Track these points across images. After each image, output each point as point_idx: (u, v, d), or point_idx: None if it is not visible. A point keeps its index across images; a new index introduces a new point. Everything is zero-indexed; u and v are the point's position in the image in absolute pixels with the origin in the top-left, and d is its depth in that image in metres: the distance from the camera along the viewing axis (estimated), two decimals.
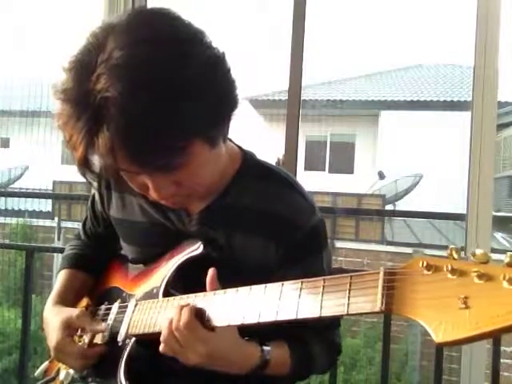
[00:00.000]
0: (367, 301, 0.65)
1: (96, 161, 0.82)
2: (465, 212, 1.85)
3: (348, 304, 0.67)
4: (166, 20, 0.83)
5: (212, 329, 0.84)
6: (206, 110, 0.80)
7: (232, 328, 0.85)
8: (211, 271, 0.87)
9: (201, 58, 0.80)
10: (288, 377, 0.98)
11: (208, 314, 0.84)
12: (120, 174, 0.87)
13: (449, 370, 3.17)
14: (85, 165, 0.82)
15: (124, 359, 0.94)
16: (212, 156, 0.88)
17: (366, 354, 4.58)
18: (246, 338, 0.91)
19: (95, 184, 1.11)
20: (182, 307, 0.85)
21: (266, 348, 0.91)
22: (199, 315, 0.84)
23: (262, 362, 0.91)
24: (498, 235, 4.90)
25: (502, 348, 1.82)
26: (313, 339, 1.01)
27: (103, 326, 1.02)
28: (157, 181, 0.85)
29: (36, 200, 7.15)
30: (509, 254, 0.55)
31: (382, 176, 9.15)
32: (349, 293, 0.68)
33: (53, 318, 1.05)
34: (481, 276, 0.55)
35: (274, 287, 0.78)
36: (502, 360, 1.76)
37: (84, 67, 0.79)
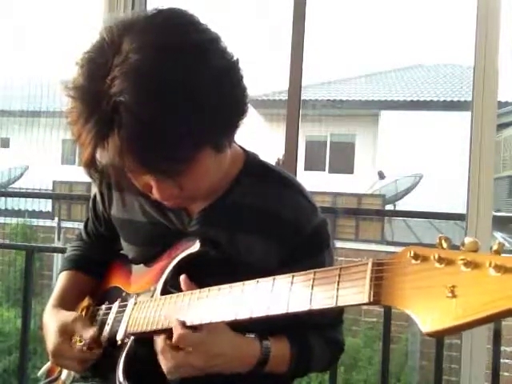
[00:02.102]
0: (356, 292, 0.65)
1: (102, 159, 0.82)
2: (465, 212, 1.85)
3: (337, 296, 0.67)
4: (184, 24, 0.82)
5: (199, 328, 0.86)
6: (218, 119, 0.80)
7: (220, 324, 0.86)
8: (183, 277, 0.90)
9: (215, 66, 0.80)
10: (287, 373, 0.98)
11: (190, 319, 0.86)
12: (125, 174, 0.87)
13: (449, 370, 3.17)
14: (91, 164, 0.82)
15: (123, 358, 0.94)
16: (217, 161, 0.89)
17: (365, 353, 4.58)
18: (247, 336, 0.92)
19: (97, 183, 1.11)
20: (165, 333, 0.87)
21: (265, 342, 0.92)
22: (183, 324, 0.86)
23: (263, 355, 0.91)
24: (498, 235, 4.90)
25: (502, 348, 1.82)
26: (313, 336, 1.01)
27: (96, 331, 1.01)
28: (160, 183, 0.85)
29: (36, 200, 7.15)
30: (497, 241, 0.55)
31: (381, 176, 9.15)
32: (337, 285, 0.67)
33: (51, 322, 1.05)
34: (467, 264, 0.55)
35: (265, 282, 0.79)
36: (501, 360, 1.76)
37: (98, 67, 0.78)
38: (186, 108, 0.76)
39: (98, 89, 0.77)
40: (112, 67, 0.77)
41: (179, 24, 0.82)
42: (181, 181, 0.85)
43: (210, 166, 0.87)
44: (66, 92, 0.81)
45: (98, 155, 0.81)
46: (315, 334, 1.01)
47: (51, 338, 1.02)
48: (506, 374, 3.79)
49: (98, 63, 0.79)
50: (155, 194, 0.88)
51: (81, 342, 1.01)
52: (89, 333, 1.00)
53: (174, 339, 0.84)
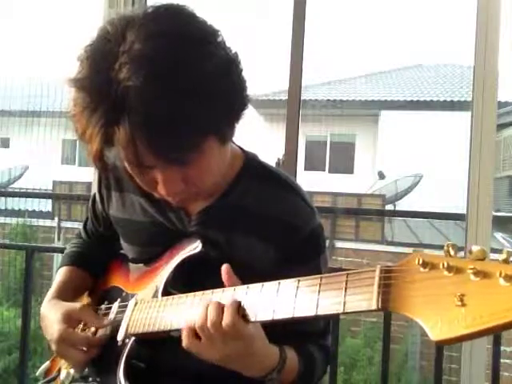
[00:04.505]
0: (363, 299, 0.64)
1: (110, 154, 0.81)
2: (465, 212, 1.85)
3: (344, 302, 0.67)
4: (185, 17, 0.83)
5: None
6: (222, 107, 0.81)
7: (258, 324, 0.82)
8: (225, 268, 0.84)
9: (218, 56, 0.81)
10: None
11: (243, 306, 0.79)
12: (128, 171, 0.87)
13: (449, 370, 3.17)
14: (100, 157, 0.81)
15: (123, 359, 0.94)
16: (221, 154, 0.89)
17: (365, 354, 4.58)
18: None
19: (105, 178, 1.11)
20: (222, 306, 0.79)
21: (282, 346, 0.89)
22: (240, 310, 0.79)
23: (282, 359, 0.87)
24: (498, 235, 4.90)
25: (502, 348, 1.82)
26: (313, 345, 1.01)
27: (106, 321, 1.02)
28: (167, 176, 0.85)
29: (36, 200, 7.14)
30: (505, 250, 0.55)
31: (381, 176, 9.14)
32: (345, 291, 0.67)
33: (51, 312, 1.05)
34: (477, 273, 0.55)
35: (270, 286, 0.78)
36: (502, 360, 1.76)
37: (103, 56, 0.78)
38: (194, 93, 0.77)
39: (105, 76, 0.77)
40: (118, 55, 0.77)
41: (181, 16, 0.83)
42: (187, 173, 0.85)
43: (214, 158, 0.88)
44: (69, 84, 0.80)
45: (106, 151, 0.80)
46: (313, 343, 1.01)
47: (54, 326, 1.01)
48: (505, 374, 3.79)
49: (103, 53, 0.79)
50: (161, 190, 0.88)
51: (85, 330, 1.01)
52: (102, 322, 1.00)
53: (226, 322, 0.77)
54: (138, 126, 0.76)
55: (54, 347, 1.02)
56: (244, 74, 0.87)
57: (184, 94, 0.76)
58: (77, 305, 1.05)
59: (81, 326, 1.03)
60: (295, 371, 0.93)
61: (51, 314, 1.04)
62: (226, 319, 0.77)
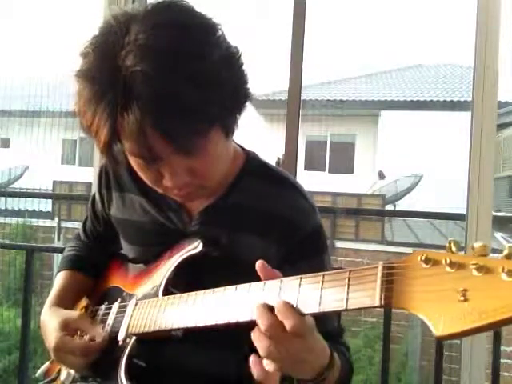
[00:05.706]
0: (366, 295, 0.64)
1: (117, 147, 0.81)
2: (465, 212, 1.85)
3: (347, 299, 0.67)
4: (186, 10, 0.84)
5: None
6: (226, 97, 0.82)
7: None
8: (259, 263, 0.79)
9: (221, 47, 0.82)
10: None
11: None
12: (131, 169, 0.87)
13: (449, 370, 3.16)
14: (108, 149, 0.81)
15: (124, 359, 0.94)
16: (224, 147, 0.90)
17: (365, 354, 4.58)
18: None
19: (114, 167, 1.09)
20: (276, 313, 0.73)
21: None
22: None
23: (331, 355, 0.81)
24: (498, 235, 4.89)
25: (502, 348, 1.82)
26: (341, 346, 0.97)
27: (102, 328, 1.02)
28: (174, 167, 0.85)
29: (36, 200, 7.14)
30: (508, 246, 0.55)
31: (382, 176, 9.14)
32: (348, 288, 0.67)
33: (50, 319, 1.05)
34: (479, 268, 0.55)
35: (272, 284, 0.78)
36: (502, 360, 1.76)
37: (110, 46, 0.79)
38: (200, 79, 0.78)
39: (112, 64, 0.77)
40: (124, 45, 0.78)
41: (182, 9, 0.84)
42: (193, 164, 0.85)
43: (219, 150, 0.88)
44: (75, 77, 0.81)
45: (114, 144, 0.80)
46: (336, 342, 0.94)
47: (52, 334, 1.01)
48: (506, 374, 3.79)
49: (108, 44, 0.79)
50: (167, 183, 0.88)
51: (82, 337, 1.01)
52: (98, 330, 1.00)
53: (292, 326, 0.71)
54: (147, 111, 0.76)
55: (52, 355, 1.02)
56: (244, 67, 0.88)
57: (190, 80, 0.77)
58: (75, 313, 1.06)
59: (79, 332, 1.03)
60: (339, 367, 0.87)
61: (50, 322, 1.04)
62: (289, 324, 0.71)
